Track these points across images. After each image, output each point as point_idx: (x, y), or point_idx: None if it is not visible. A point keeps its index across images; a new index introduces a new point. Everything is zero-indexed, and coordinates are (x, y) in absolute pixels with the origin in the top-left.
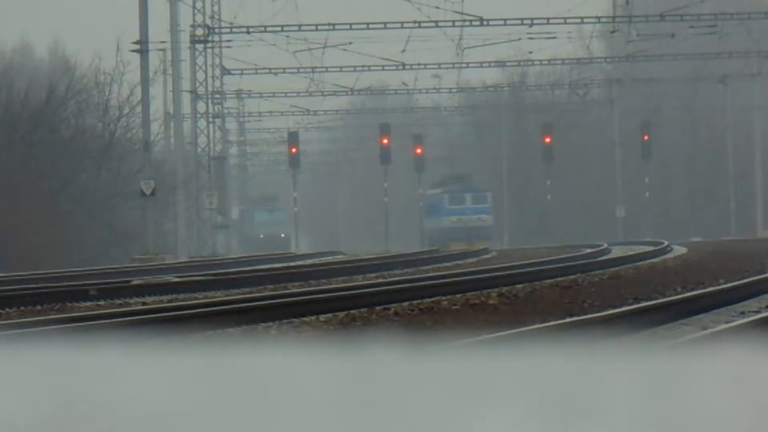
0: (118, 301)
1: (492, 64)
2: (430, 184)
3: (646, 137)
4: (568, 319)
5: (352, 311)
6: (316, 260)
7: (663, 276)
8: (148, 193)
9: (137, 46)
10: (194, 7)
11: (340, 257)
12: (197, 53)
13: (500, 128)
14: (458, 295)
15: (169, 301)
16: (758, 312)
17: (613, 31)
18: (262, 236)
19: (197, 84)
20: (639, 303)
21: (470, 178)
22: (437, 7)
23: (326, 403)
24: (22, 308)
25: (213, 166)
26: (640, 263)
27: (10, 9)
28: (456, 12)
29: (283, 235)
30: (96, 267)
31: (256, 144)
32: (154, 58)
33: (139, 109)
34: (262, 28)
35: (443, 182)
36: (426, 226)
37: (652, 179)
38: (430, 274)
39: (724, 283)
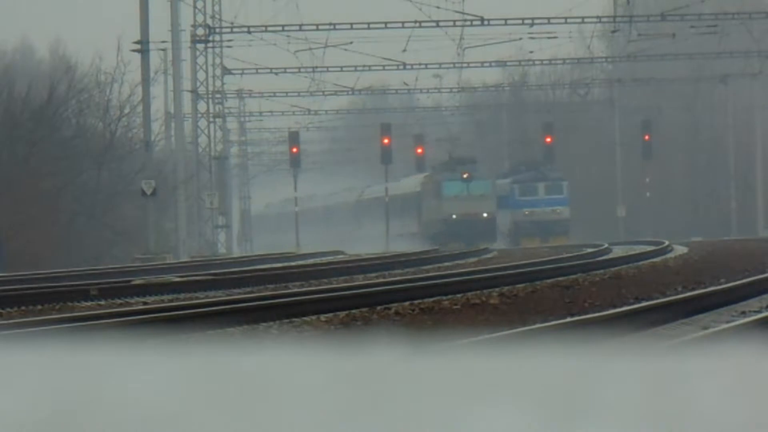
0: (119, 301)
1: (493, 64)
2: (498, 173)
3: (646, 137)
4: (568, 319)
5: (353, 311)
6: (317, 260)
7: (664, 275)
8: (149, 192)
9: (138, 46)
10: (195, 7)
11: (340, 257)
12: (198, 53)
13: (501, 128)
14: (459, 295)
15: (170, 300)
16: (759, 312)
17: (613, 31)
18: (455, 216)
19: (198, 84)
20: (639, 303)
21: (545, 165)
22: (438, 7)
23: (326, 403)
24: (23, 308)
25: (214, 166)
26: (640, 263)
27: (12, 9)
28: (457, 12)
29: (486, 214)
30: (97, 267)
31: (257, 144)
32: (154, 58)
33: (139, 108)
34: (263, 28)
35: (513, 170)
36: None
37: (652, 179)
38: (430, 274)
39: (725, 283)
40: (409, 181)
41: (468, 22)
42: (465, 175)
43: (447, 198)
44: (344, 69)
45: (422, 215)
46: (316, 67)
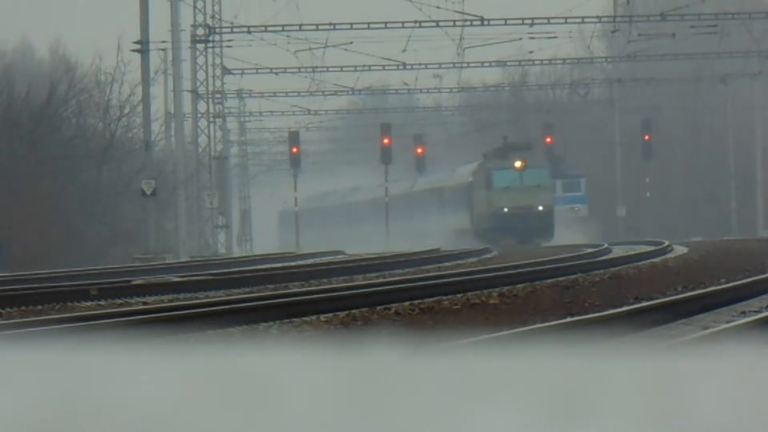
0: (119, 301)
1: (493, 64)
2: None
3: (646, 137)
4: (568, 319)
5: (353, 311)
6: (317, 260)
7: (664, 276)
8: (148, 192)
9: (138, 46)
10: (195, 7)
11: (340, 257)
12: (198, 53)
13: (501, 128)
14: (459, 295)
15: (170, 300)
16: (759, 312)
17: (613, 31)
18: (506, 209)
19: (198, 84)
20: (639, 303)
21: (563, 161)
22: (438, 7)
23: (326, 403)
24: (23, 308)
25: (214, 166)
26: (640, 263)
27: (12, 8)
28: (457, 12)
29: (542, 207)
30: (97, 267)
31: (257, 144)
32: (155, 58)
33: (139, 108)
34: (263, 28)
35: None
36: None
37: (652, 179)
38: (430, 274)
39: (725, 283)
40: (463, 170)
41: (468, 22)
42: (518, 164)
43: (497, 189)
44: (344, 69)
45: (473, 209)
46: (316, 67)
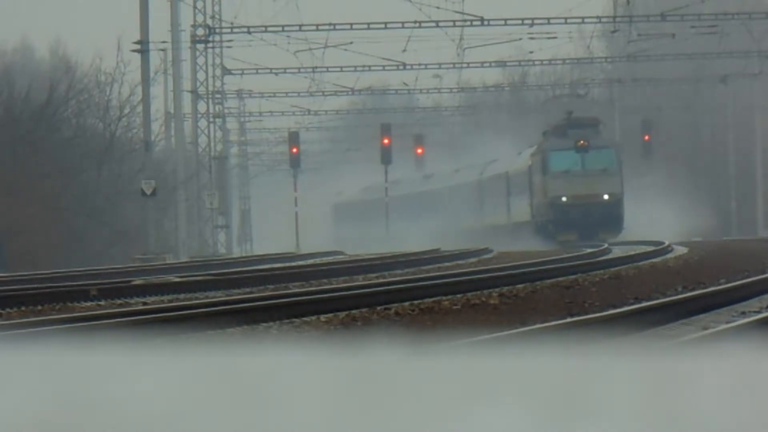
0: (119, 301)
1: (493, 64)
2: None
3: (646, 137)
4: (568, 319)
5: (353, 311)
6: (317, 260)
7: (664, 276)
8: (149, 192)
9: (138, 46)
10: (195, 7)
11: (340, 257)
12: (198, 53)
13: (501, 128)
14: (459, 295)
15: (170, 301)
16: (759, 312)
17: (613, 31)
18: (565, 199)
19: (198, 84)
20: (639, 303)
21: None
22: (438, 7)
23: (326, 403)
24: (23, 308)
25: (214, 166)
26: (640, 263)
27: (12, 8)
28: (457, 12)
29: (607, 196)
30: (97, 267)
31: (257, 144)
32: (154, 58)
33: (139, 108)
34: (263, 28)
35: None
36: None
37: (652, 179)
38: (430, 274)
39: (725, 283)
40: (526, 153)
41: (468, 23)
42: (580, 143)
43: (554, 175)
44: (344, 69)
45: (532, 198)
46: (316, 67)
